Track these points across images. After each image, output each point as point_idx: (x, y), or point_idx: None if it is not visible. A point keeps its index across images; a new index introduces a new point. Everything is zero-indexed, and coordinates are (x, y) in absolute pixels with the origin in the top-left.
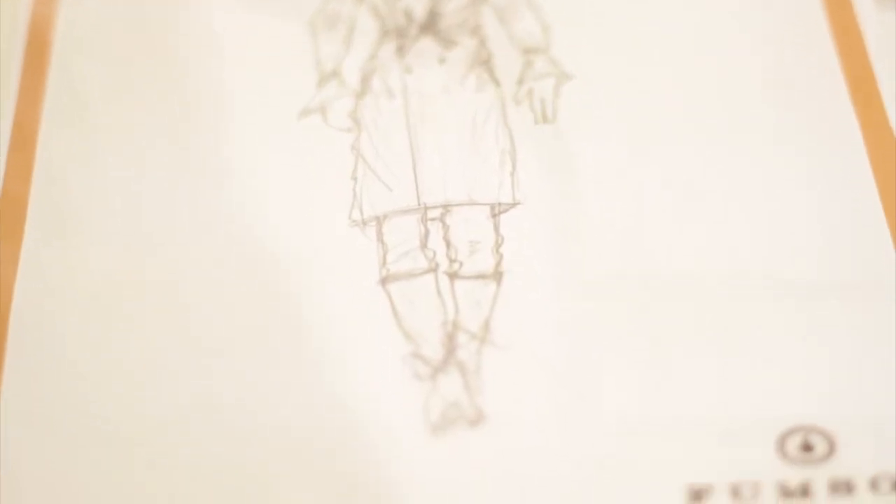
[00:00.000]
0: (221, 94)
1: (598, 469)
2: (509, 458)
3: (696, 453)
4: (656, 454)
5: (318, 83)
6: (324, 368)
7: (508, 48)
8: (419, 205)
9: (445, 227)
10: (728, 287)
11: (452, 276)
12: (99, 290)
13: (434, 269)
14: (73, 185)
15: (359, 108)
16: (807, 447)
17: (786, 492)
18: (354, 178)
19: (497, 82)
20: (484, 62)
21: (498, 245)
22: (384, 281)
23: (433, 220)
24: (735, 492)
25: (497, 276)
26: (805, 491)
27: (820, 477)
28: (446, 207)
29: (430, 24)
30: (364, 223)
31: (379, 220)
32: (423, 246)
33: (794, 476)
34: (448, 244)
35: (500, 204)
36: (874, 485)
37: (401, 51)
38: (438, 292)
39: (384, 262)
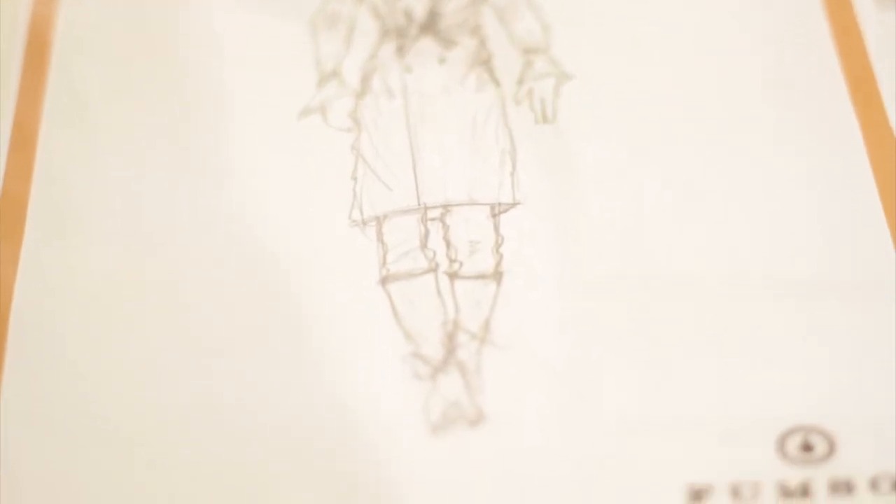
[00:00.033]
0: (221, 94)
1: (598, 469)
2: (509, 458)
3: (697, 453)
4: (656, 454)
5: (318, 83)
6: (324, 368)
7: (508, 48)
8: (419, 205)
9: (445, 227)
10: (728, 287)
11: (452, 275)
12: (99, 290)
13: (434, 269)
14: (73, 185)
15: (359, 107)
16: (807, 447)
17: (786, 492)
18: (354, 178)
19: (497, 82)
20: (484, 62)
21: (498, 245)
22: (384, 281)
23: (433, 220)
24: (735, 492)
25: (497, 275)
26: (805, 491)
27: (820, 477)
28: (446, 207)
29: (431, 24)
30: (364, 223)
31: (379, 220)
32: (423, 246)
33: (794, 476)
34: (448, 244)
35: (500, 204)
36: (874, 485)
37: (401, 51)
38: (438, 292)
39: (384, 262)
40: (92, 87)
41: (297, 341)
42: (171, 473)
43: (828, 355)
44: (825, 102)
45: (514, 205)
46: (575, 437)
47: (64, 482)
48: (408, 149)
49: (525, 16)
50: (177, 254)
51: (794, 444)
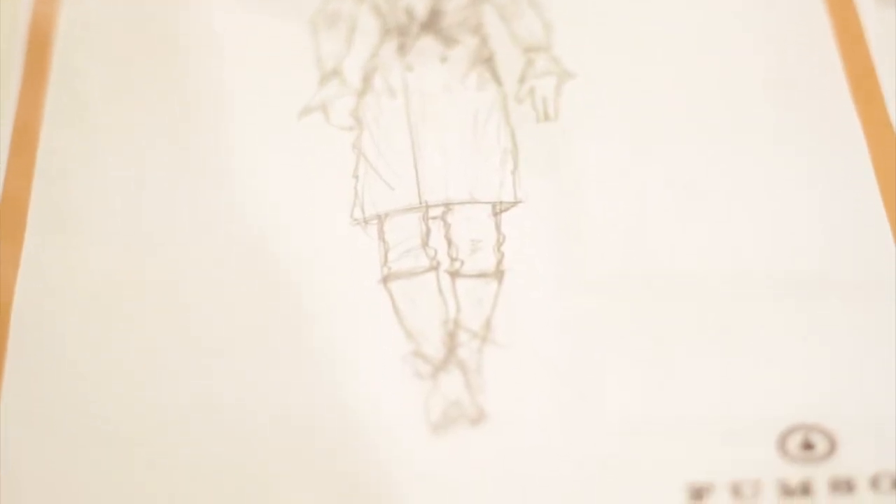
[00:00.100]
0: (221, 93)
1: (599, 467)
2: (511, 458)
3: (697, 452)
4: (657, 453)
5: (320, 82)
6: (324, 368)
7: (510, 46)
8: (420, 203)
9: (447, 226)
10: (730, 286)
11: (454, 274)
12: (99, 290)
13: (435, 268)
14: (74, 186)
15: (360, 106)
16: (807, 446)
17: (787, 490)
18: (356, 177)
19: (499, 81)
20: (485, 60)
21: (499, 243)
22: (385, 279)
23: (434, 218)
24: (736, 490)
25: (498, 274)
26: (806, 489)
27: (821, 475)
28: (448, 206)
29: (432, 23)
30: (365, 222)
31: (380, 219)
32: (425, 244)
33: (794, 475)
34: (449, 243)
35: (501, 202)
36: (875, 483)
37: (402, 49)
38: (440, 291)
39: (385, 261)
40: (92, 87)
41: (297, 341)
42: (171, 473)
43: (829, 354)
44: (827, 101)
45: (515, 203)
46: (576, 435)
47: (64, 482)
48: (409, 147)
49: (526, 14)
50: (177, 254)
51: (794, 443)
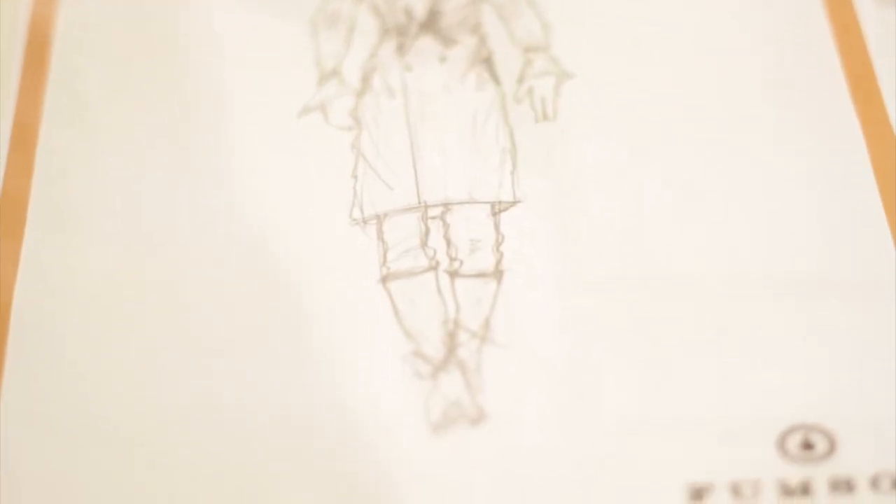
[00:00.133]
0: (221, 94)
1: (598, 468)
2: (510, 457)
3: (697, 452)
4: (657, 453)
5: (319, 82)
6: (324, 368)
7: (509, 46)
8: (420, 203)
9: (446, 226)
10: (729, 286)
11: (453, 274)
12: (99, 290)
13: (434, 268)
14: (74, 185)
15: (359, 106)
16: (807, 446)
17: (786, 490)
18: (355, 177)
19: (497, 81)
20: (484, 60)
21: (498, 243)
22: (385, 279)
23: (433, 218)
24: (736, 490)
25: (497, 274)
26: (806, 489)
27: (820, 475)
28: (447, 206)
29: (431, 23)
30: (364, 222)
31: (379, 219)
32: (424, 244)
33: (794, 474)
34: (448, 242)
35: (500, 202)
36: (874, 483)
37: (401, 49)
38: (439, 291)
39: (384, 261)
40: (92, 86)
41: (297, 341)
42: (171, 473)
43: (828, 354)
44: (825, 101)
45: (514, 203)
46: (577, 435)
47: (64, 482)
48: (408, 147)
49: (525, 14)
50: (177, 254)
51: (794, 443)
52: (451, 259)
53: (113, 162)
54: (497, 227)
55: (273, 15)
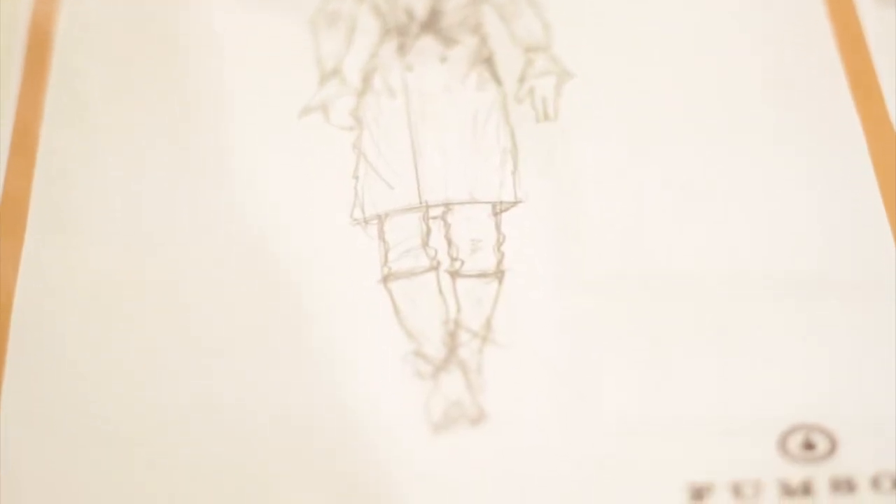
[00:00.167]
0: (221, 94)
1: (599, 468)
2: (511, 457)
3: (698, 452)
4: (657, 453)
5: (319, 82)
6: (324, 368)
7: (510, 46)
8: (420, 203)
9: (447, 226)
10: (729, 286)
11: (454, 274)
12: (99, 290)
13: (435, 268)
14: (74, 185)
15: (360, 106)
16: (808, 445)
17: (787, 490)
18: (356, 177)
19: (498, 80)
20: (485, 60)
21: (499, 243)
22: (385, 279)
23: (435, 218)
24: (736, 490)
25: (498, 274)
26: (806, 489)
27: (821, 475)
28: (448, 206)
29: (432, 23)
30: (365, 222)
31: (380, 219)
32: (425, 244)
33: (795, 474)
34: (449, 242)
35: (501, 202)
36: (875, 483)
37: (402, 49)
38: (440, 291)
39: (385, 261)
40: (92, 86)
41: (297, 341)
42: (171, 473)
43: (829, 354)
44: (826, 101)
45: (515, 203)
46: (577, 435)
47: (64, 482)
48: (409, 147)
49: (525, 14)
50: (177, 254)
51: (795, 443)
52: (452, 259)
53: (113, 162)
54: (498, 227)
55: (273, 15)
